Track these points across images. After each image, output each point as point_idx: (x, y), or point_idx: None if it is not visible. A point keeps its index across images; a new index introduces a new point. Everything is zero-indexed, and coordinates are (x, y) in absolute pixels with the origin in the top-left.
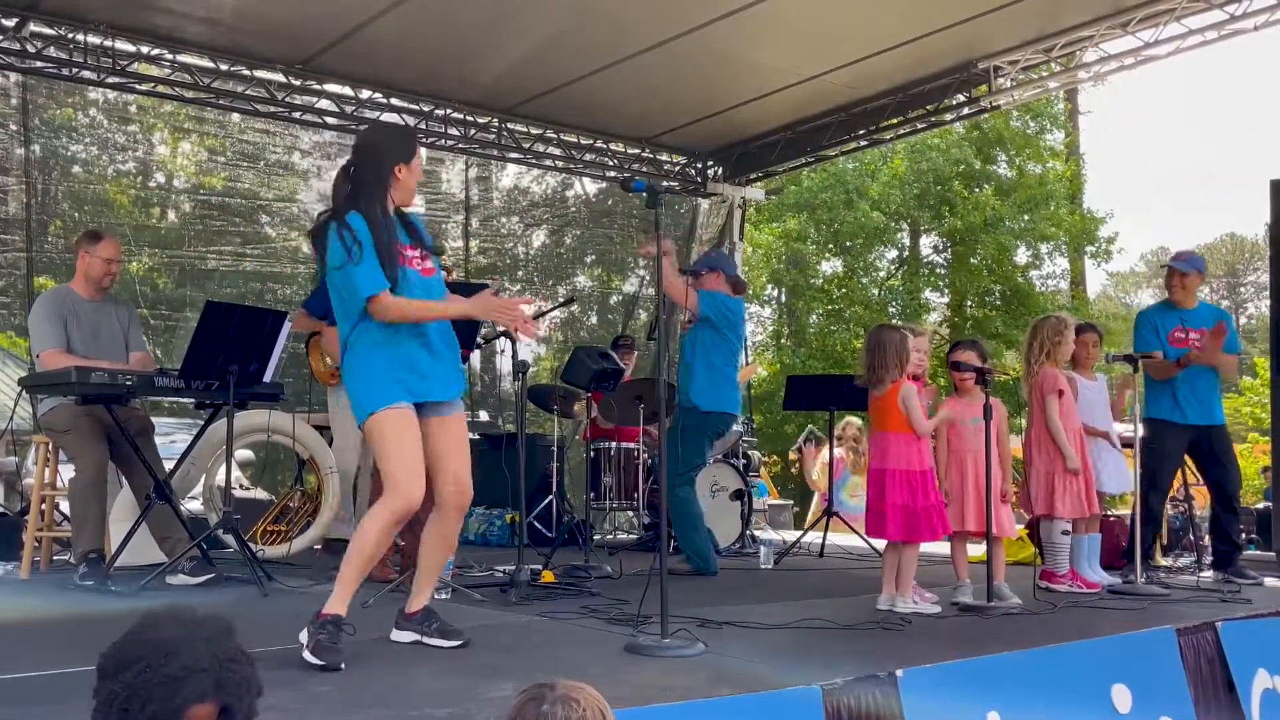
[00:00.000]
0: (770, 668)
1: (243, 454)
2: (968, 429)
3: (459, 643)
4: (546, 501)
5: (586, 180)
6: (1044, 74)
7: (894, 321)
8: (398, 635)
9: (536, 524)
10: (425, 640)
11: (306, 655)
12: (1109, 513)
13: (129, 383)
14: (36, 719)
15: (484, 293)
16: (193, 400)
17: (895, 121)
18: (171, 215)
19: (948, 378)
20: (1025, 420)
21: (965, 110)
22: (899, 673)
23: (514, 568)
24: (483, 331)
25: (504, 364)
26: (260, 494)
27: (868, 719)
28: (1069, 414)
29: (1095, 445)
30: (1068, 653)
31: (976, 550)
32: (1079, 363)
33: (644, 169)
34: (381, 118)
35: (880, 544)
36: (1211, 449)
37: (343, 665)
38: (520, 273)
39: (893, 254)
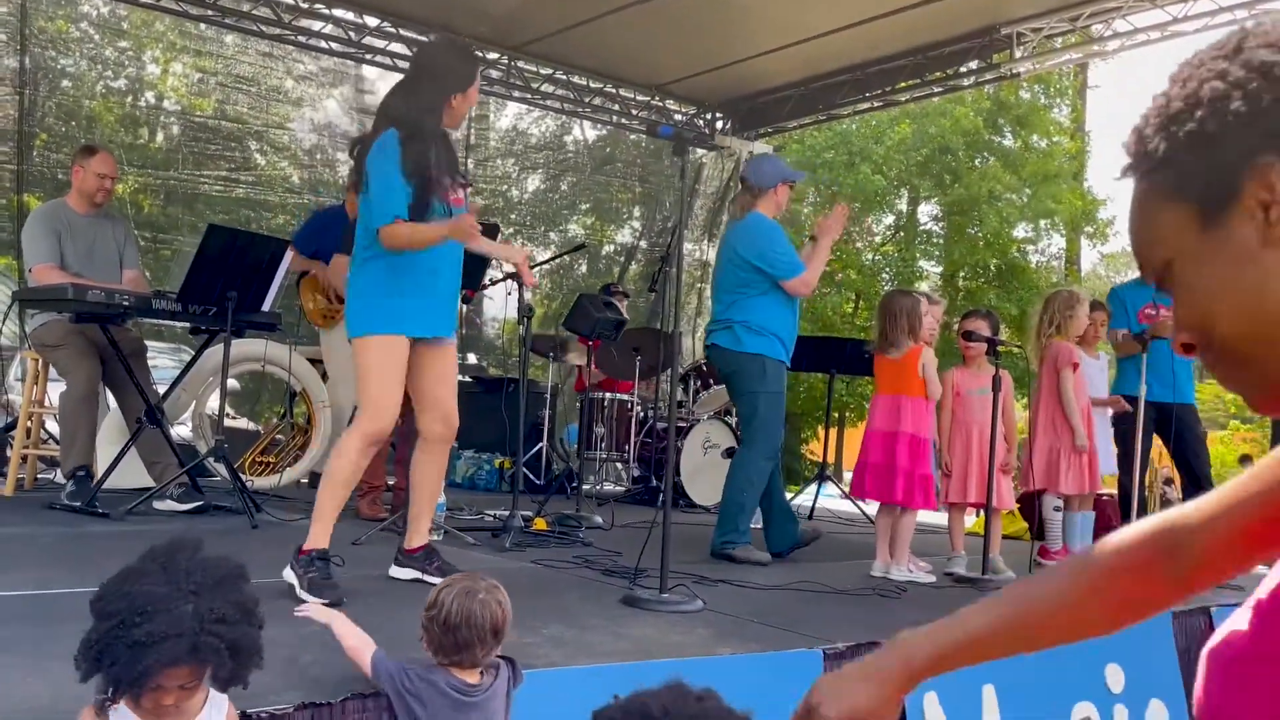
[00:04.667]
0: (769, 628)
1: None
2: (974, 399)
3: None
4: (537, 448)
5: (586, 125)
6: (1067, 43)
7: (902, 288)
8: (397, 571)
9: (525, 470)
10: (426, 578)
11: (303, 594)
12: (1102, 492)
13: (126, 303)
14: (30, 640)
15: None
16: (188, 325)
17: (911, 83)
18: (160, 136)
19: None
20: (1030, 393)
21: (984, 76)
22: None
23: (506, 513)
24: (489, 275)
25: (490, 308)
26: (243, 423)
27: None
28: (1080, 390)
29: (1095, 424)
30: None
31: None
32: (1085, 340)
33: (652, 116)
34: (389, 48)
35: (872, 509)
36: (1176, 428)
37: (344, 600)
38: (513, 216)
39: (889, 220)
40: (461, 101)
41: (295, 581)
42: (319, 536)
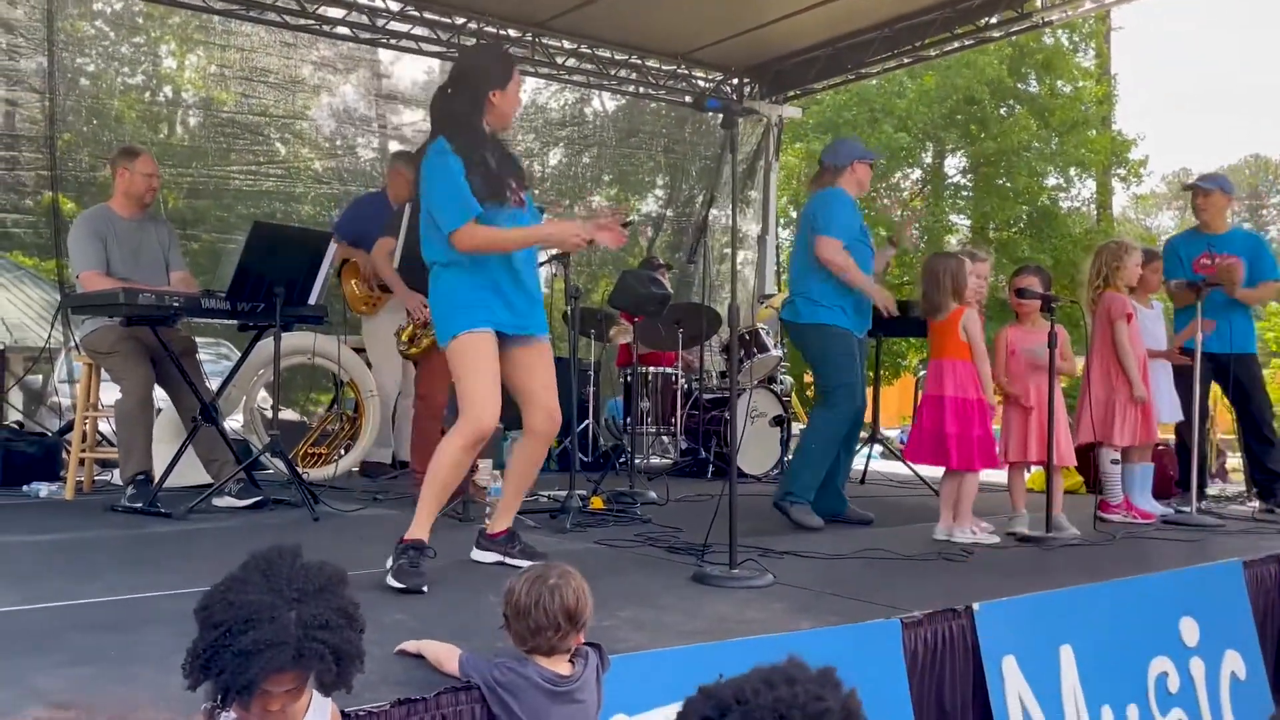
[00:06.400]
0: (843, 599)
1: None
2: (1029, 357)
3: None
4: (583, 426)
5: (605, 96)
6: None
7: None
8: (479, 555)
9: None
10: (508, 561)
11: (389, 580)
12: (1159, 442)
13: (176, 305)
14: (117, 647)
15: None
16: (236, 322)
17: (941, 37)
18: (180, 130)
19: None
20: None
21: (1015, 26)
22: (975, 606)
23: (560, 493)
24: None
25: None
26: (290, 414)
27: (945, 651)
28: (1135, 341)
29: (1153, 374)
30: (1137, 586)
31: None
32: (1140, 290)
33: (679, 86)
34: (412, 31)
35: (925, 471)
36: (1236, 377)
37: (425, 588)
38: (536, 191)
39: (916, 175)
40: (502, 99)
41: (388, 566)
42: (418, 529)
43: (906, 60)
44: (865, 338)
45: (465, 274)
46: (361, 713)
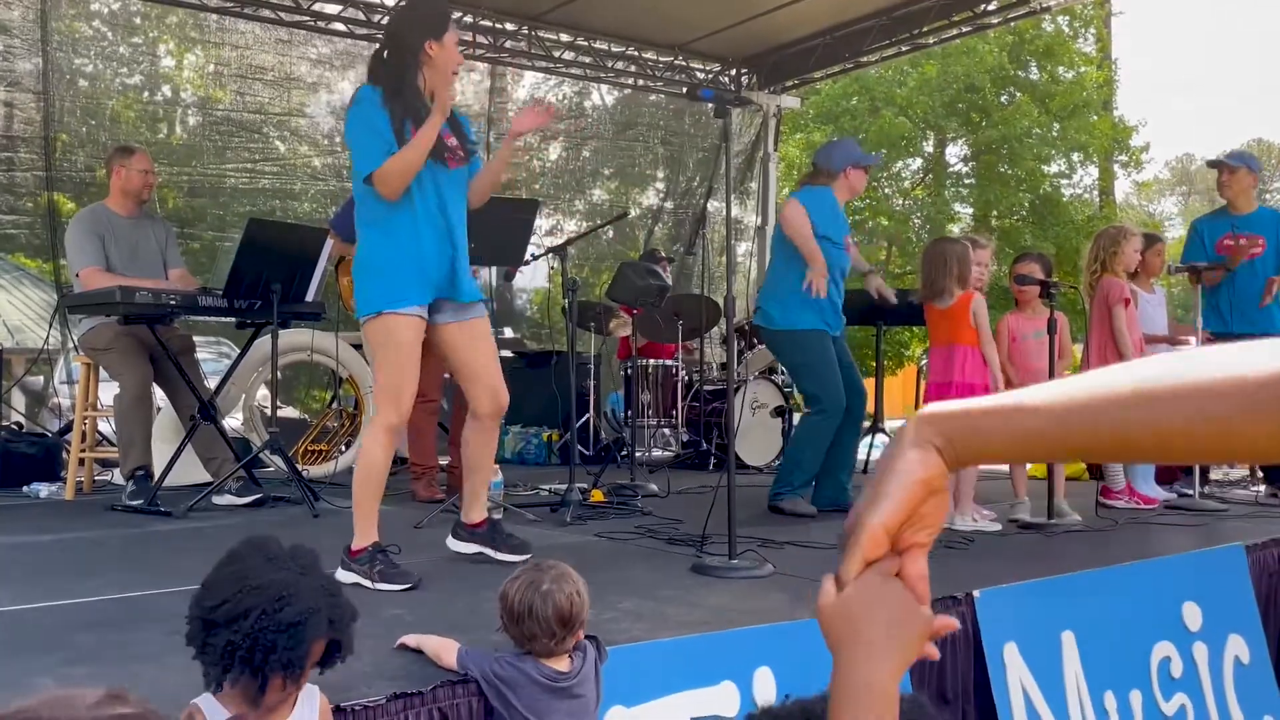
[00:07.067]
0: None
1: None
2: (1029, 343)
3: (527, 556)
4: (584, 419)
5: (604, 89)
6: None
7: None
8: (457, 545)
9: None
10: (490, 552)
11: (376, 587)
12: None
13: (173, 302)
14: (116, 645)
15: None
16: (234, 319)
17: (939, 24)
18: (179, 130)
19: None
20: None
21: (1014, 12)
22: (976, 594)
23: (561, 486)
24: (530, 250)
25: (518, 279)
26: (290, 411)
27: (946, 639)
28: (1133, 326)
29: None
30: (1139, 571)
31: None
32: (1140, 275)
33: (676, 77)
34: None
35: None
36: None
37: (416, 583)
38: (537, 186)
39: (917, 163)
40: (439, 50)
41: (360, 579)
42: (366, 533)
43: (905, 48)
44: (842, 334)
45: (387, 236)
46: (358, 707)
